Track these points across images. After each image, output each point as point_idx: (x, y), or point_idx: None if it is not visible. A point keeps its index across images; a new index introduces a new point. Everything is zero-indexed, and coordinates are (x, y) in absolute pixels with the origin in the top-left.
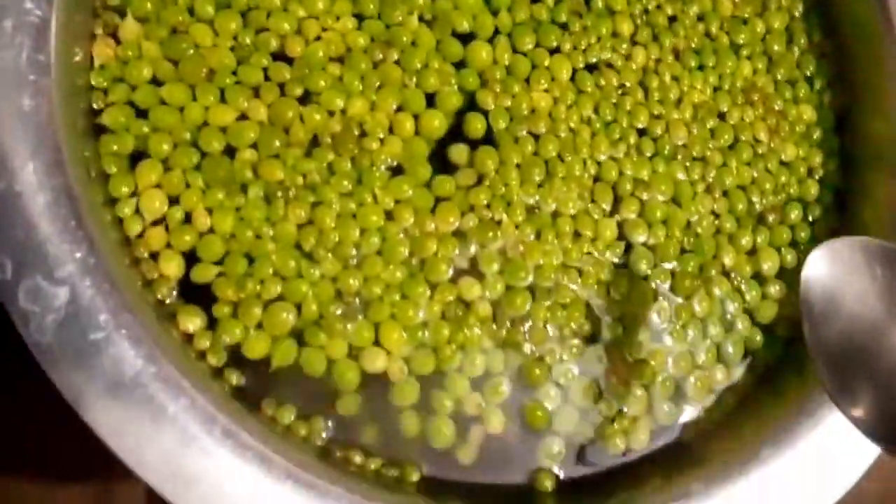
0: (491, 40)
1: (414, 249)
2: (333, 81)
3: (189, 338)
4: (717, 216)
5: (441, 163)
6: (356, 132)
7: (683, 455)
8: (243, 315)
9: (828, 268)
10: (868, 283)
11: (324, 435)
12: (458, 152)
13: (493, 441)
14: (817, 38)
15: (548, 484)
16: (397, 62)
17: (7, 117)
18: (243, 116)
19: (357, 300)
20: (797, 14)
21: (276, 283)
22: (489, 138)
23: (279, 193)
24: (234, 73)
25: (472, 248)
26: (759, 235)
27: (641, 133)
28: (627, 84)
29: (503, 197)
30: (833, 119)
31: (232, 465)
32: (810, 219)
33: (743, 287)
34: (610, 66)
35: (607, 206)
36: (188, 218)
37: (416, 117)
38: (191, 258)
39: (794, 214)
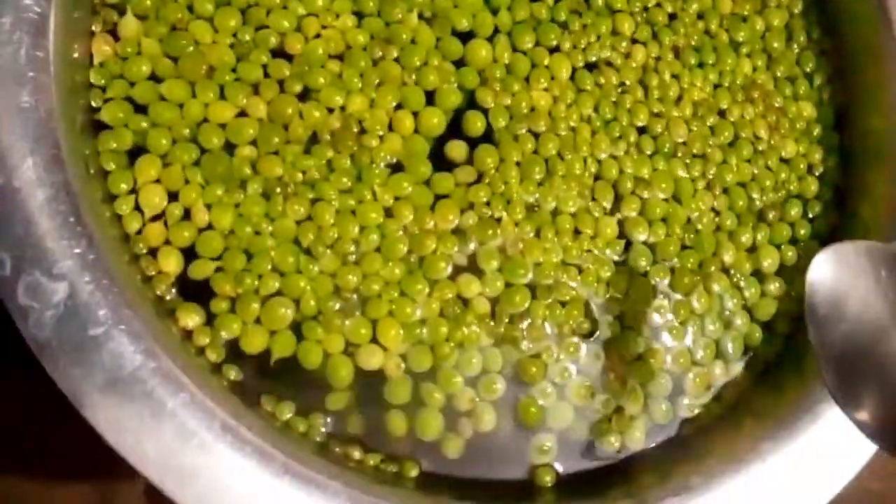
0: (490, 39)
1: (413, 247)
2: (333, 79)
3: (188, 334)
4: (717, 213)
5: (440, 161)
6: (355, 129)
7: (683, 450)
8: (241, 310)
9: (832, 271)
10: (872, 286)
11: (323, 430)
12: (456, 148)
13: (487, 436)
14: (816, 35)
15: (547, 479)
16: (397, 60)
17: (6, 113)
18: (243, 113)
19: (355, 296)
20: (796, 11)
21: (275, 279)
22: (489, 137)
23: (278, 190)
24: (234, 69)
25: (472, 246)
26: (759, 232)
27: (641, 131)
28: (627, 82)
29: (503, 195)
30: (833, 116)
31: (231, 459)
32: (810, 215)
33: (742, 284)
34: (609, 64)
35: (608, 205)
36: (187, 214)
37: (415, 115)
38: (190, 254)
39: (794, 211)
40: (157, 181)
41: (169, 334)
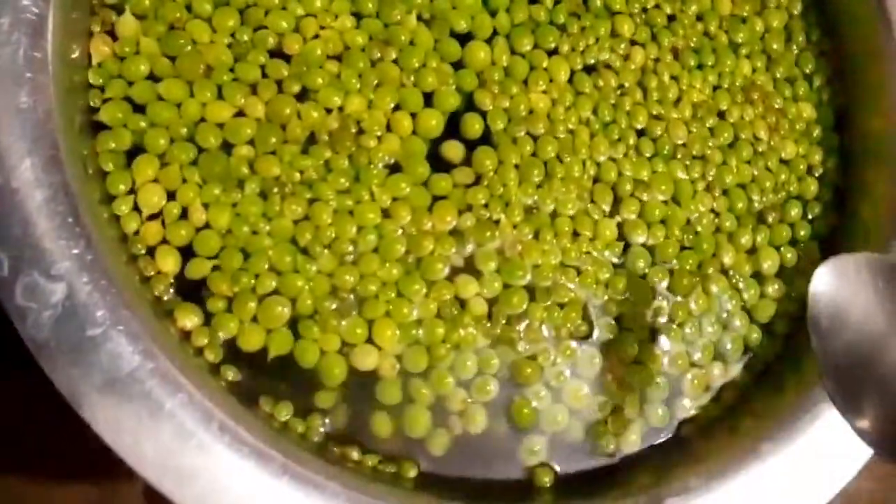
0: (489, 41)
1: (410, 247)
2: (331, 79)
3: (186, 334)
4: (716, 215)
5: (438, 162)
6: (353, 130)
7: (682, 451)
8: (238, 309)
9: (832, 284)
10: (872, 297)
11: (321, 431)
12: (453, 148)
13: (485, 436)
14: (816, 36)
15: (546, 479)
16: (395, 61)
17: (4, 114)
18: (241, 113)
19: (352, 296)
20: (796, 12)
21: (272, 278)
22: (487, 140)
23: (276, 189)
24: (232, 69)
25: (469, 248)
26: (758, 234)
27: (640, 133)
28: (626, 84)
29: (501, 197)
30: (832, 117)
31: (229, 460)
32: (810, 216)
33: (741, 285)
34: (608, 66)
35: (607, 207)
36: (185, 213)
37: (413, 116)
38: (188, 255)
39: (794, 212)
40: (155, 181)
41: (167, 335)
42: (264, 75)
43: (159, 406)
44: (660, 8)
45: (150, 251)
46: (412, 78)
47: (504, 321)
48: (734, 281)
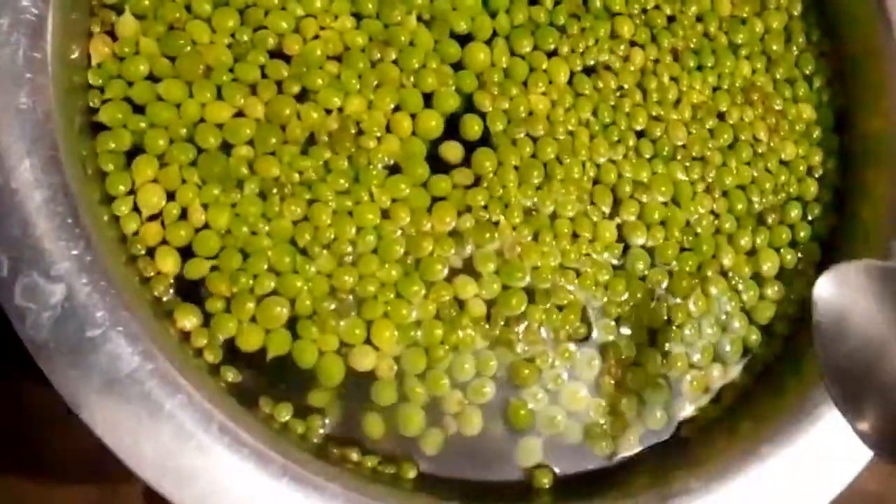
0: (489, 42)
1: (410, 248)
2: (331, 80)
3: (186, 335)
4: (716, 216)
5: (437, 164)
6: (353, 130)
7: (683, 452)
8: (236, 309)
9: (835, 290)
10: (873, 303)
11: (321, 432)
12: (451, 149)
13: (483, 438)
14: (816, 37)
15: (545, 481)
16: (395, 62)
17: (4, 115)
18: (240, 113)
19: (351, 297)
20: (796, 13)
21: (270, 279)
22: (486, 141)
23: (275, 190)
24: (232, 70)
25: (469, 249)
26: (758, 236)
27: (640, 135)
28: (625, 86)
29: (501, 198)
30: (832, 118)
31: (229, 461)
32: (809, 217)
33: (740, 287)
34: (608, 68)
35: (607, 209)
36: (184, 214)
37: (413, 117)
38: (187, 255)
39: (794, 213)
40: (155, 181)
41: (166, 335)
42: (264, 76)
43: (159, 407)
44: (659, 9)
45: (150, 252)
46: (412, 79)
47: (503, 323)
48: (734, 282)
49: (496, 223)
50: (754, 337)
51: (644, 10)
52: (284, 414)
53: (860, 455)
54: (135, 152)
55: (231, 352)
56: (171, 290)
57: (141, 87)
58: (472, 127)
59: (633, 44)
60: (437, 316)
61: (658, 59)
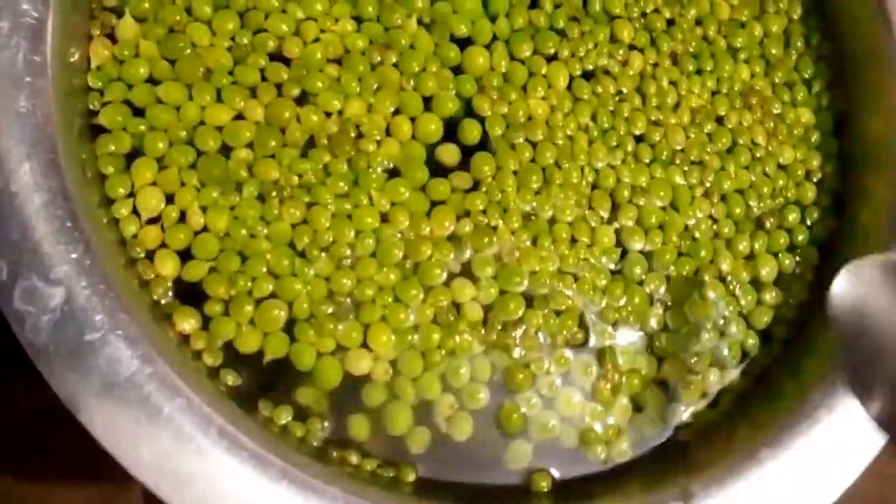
0: (488, 46)
1: (408, 252)
2: (331, 83)
3: (185, 338)
4: (714, 221)
5: (436, 168)
6: (353, 134)
7: (681, 456)
8: (235, 312)
9: (852, 284)
10: (889, 297)
11: (320, 435)
12: (448, 151)
13: (481, 442)
14: (816, 40)
15: (543, 484)
16: (395, 65)
17: (3, 118)
18: (240, 116)
19: (349, 300)
20: (795, 17)
21: (269, 281)
22: (485, 146)
23: (274, 193)
24: (231, 73)
25: (467, 253)
26: (756, 240)
27: (639, 139)
28: (624, 90)
29: (499, 203)
30: (831, 122)
31: (228, 465)
32: (808, 222)
33: (738, 292)
34: (607, 72)
35: (605, 214)
36: (183, 217)
37: (413, 120)
38: (186, 258)
39: (792, 217)
40: (154, 184)
41: (165, 339)
42: (264, 79)
43: (158, 410)
44: (659, 12)
45: (149, 255)
46: (412, 82)
47: (500, 327)
48: (731, 287)
49: (495, 228)
50: (752, 341)
51: (643, 14)
52: (284, 417)
53: (860, 458)
54: (134, 155)
55: (231, 355)
56: (170, 293)
57: (141, 89)
58: (471, 131)
59: (632, 48)
60: (434, 320)
61: (657, 63)
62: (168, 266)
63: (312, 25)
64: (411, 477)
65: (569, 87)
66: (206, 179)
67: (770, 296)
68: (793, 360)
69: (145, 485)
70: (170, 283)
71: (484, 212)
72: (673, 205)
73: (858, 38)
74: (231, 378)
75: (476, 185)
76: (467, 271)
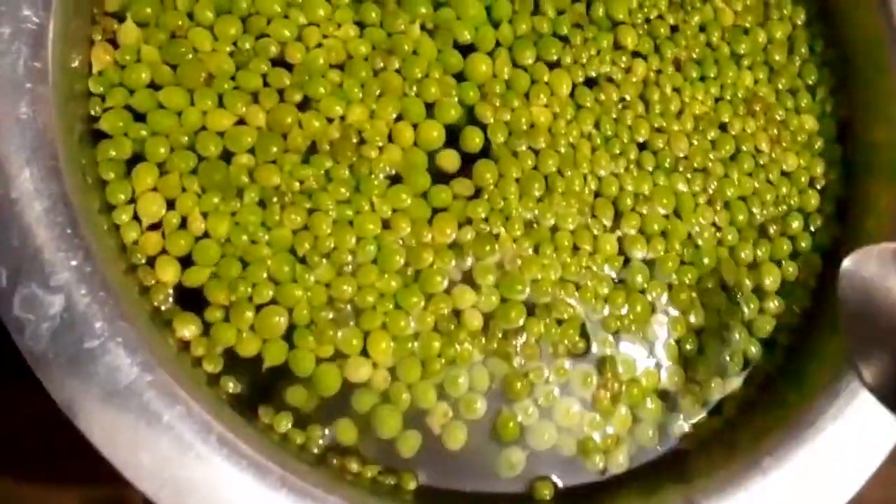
0: (491, 53)
1: (410, 259)
2: (333, 88)
3: (185, 345)
4: (718, 228)
5: (438, 175)
6: (355, 140)
7: (683, 466)
8: (235, 318)
9: (862, 266)
10: (894, 279)
11: (321, 442)
12: (448, 157)
13: (479, 449)
14: (819, 46)
15: (546, 493)
16: (398, 71)
17: (4, 124)
18: (241, 121)
19: (349, 307)
20: (799, 23)
21: (269, 287)
22: (486, 154)
23: (275, 199)
24: (233, 78)
25: (469, 261)
26: (759, 248)
27: (642, 146)
28: (627, 97)
29: (502, 211)
30: (835, 128)
31: (228, 473)
32: (811, 229)
33: (741, 300)
34: (610, 79)
35: (608, 222)
36: (184, 223)
37: (415, 127)
38: (187, 265)
39: (795, 224)
40: (155, 189)
41: (165, 345)
42: (266, 84)
43: (157, 418)
44: (663, 18)
45: (150, 261)
46: (415, 88)
47: (501, 335)
48: (734, 295)
49: (497, 235)
50: (754, 349)
51: (647, 20)
52: (284, 424)
53: (864, 467)
54: (135, 160)
55: (231, 362)
56: (171, 300)
57: (142, 94)
58: (473, 139)
59: (635, 54)
60: (435, 328)
61: (660, 69)
62: (169, 272)
63: (315, 31)
64: (412, 485)
65: (571, 95)
66: (208, 185)
67: (773, 304)
68: (796, 368)
69: (145, 493)
70: (170, 290)
71: (486, 219)
72: (676, 212)
73: (862, 44)
74: (231, 385)
75: (478, 193)
76: (469, 279)
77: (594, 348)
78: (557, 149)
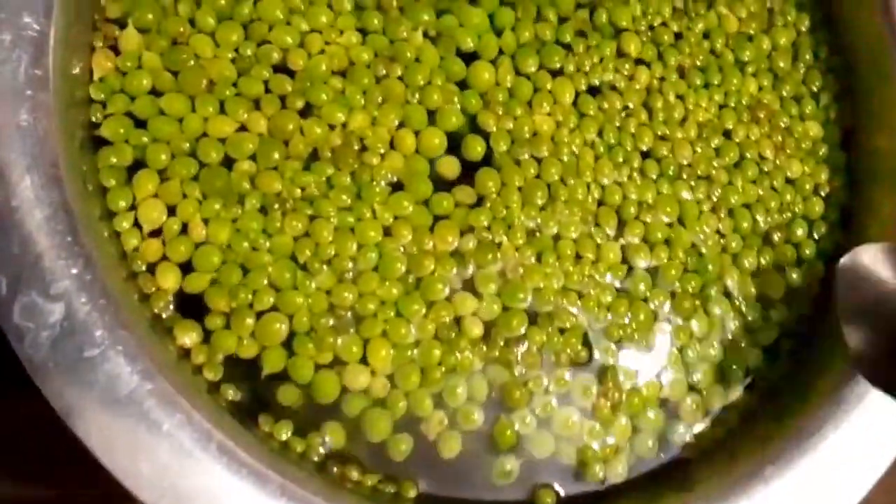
0: (494, 61)
1: (411, 267)
2: (335, 95)
3: (186, 352)
4: (721, 236)
5: (438, 182)
6: (357, 147)
7: (686, 473)
8: (236, 325)
9: (858, 260)
10: (886, 271)
11: (321, 450)
12: (448, 164)
13: (480, 457)
14: (824, 53)
15: (548, 501)
16: (400, 78)
17: (4, 132)
18: (243, 128)
19: (349, 314)
20: (803, 29)
21: (270, 294)
22: (488, 162)
23: (276, 205)
24: (235, 84)
25: (470, 269)
26: (763, 256)
27: (646, 155)
28: (631, 105)
29: (504, 219)
30: (839, 135)
31: (228, 481)
32: (815, 236)
33: (744, 308)
34: (613, 88)
35: (611, 231)
36: (185, 229)
37: (417, 134)
38: (188, 271)
39: (800, 231)
40: (156, 196)
41: (166, 353)
42: (267, 90)
43: (157, 426)
44: (666, 25)
45: (150, 268)
46: (417, 95)
47: (502, 343)
48: (737, 303)
49: (499, 244)
50: (757, 358)
51: (651, 27)
52: (284, 432)
53: (867, 475)
54: (136, 167)
55: (231, 369)
56: (171, 307)
57: (143, 101)
58: (475, 147)
59: (638, 62)
60: (435, 336)
61: (664, 77)
62: (169, 279)
63: (317, 37)
64: (412, 493)
65: (574, 103)
66: (209, 191)
67: (777, 313)
68: (799, 376)
69: (144, 502)
70: (170, 297)
71: (488, 228)
72: (680, 220)
73: (866, 52)
74: (231, 392)
75: (480, 201)
76: (470, 286)
77: (596, 357)
78: (560, 157)
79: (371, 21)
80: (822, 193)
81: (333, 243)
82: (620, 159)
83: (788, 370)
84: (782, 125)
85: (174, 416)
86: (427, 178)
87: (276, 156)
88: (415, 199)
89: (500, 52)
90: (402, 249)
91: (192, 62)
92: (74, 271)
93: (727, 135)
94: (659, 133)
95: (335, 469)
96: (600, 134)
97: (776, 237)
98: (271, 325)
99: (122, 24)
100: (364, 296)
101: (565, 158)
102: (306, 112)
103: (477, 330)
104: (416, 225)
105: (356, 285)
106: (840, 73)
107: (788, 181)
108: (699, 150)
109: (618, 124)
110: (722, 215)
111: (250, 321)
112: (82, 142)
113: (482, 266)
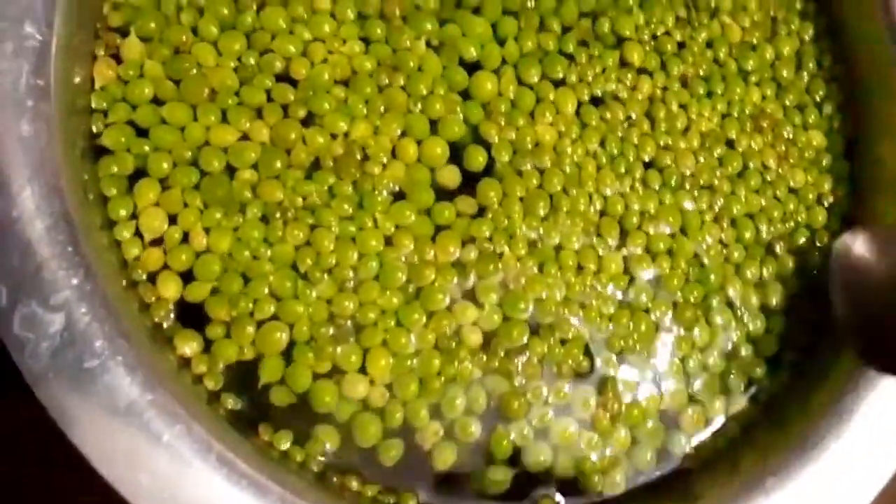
0: (497, 71)
1: (412, 277)
2: (338, 104)
3: (186, 362)
4: (724, 245)
5: (438, 191)
6: (359, 156)
7: (688, 484)
8: (236, 334)
9: (851, 243)
10: (875, 254)
11: (321, 459)
12: (449, 174)
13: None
14: (827, 62)
15: None
16: (403, 87)
17: (5, 142)
18: (245, 137)
19: (349, 323)
20: (807, 39)
21: (270, 303)
22: (490, 172)
23: (278, 214)
24: (237, 93)
25: (471, 280)
26: (766, 266)
27: (648, 165)
28: (633, 115)
29: (506, 230)
30: (843, 144)
31: (228, 492)
32: (818, 245)
33: (746, 318)
34: (616, 98)
35: (613, 241)
36: (186, 238)
37: (419, 143)
38: (189, 281)
39: (802, 241)
40: (157, 205)
41: (166, 363)
42: (270, 99)
43: (157, 437)
44: (669, 35)
45: (151, 277)
46: (419, 105)
47: (502, 353)
48: (739, 314)
49: (500, 254)
50: (759, 368)
51: (654, 37)
52: (284, 442)
53: (868, 487)
54: (137, 176)
55: (231, 378)
56: (172, 316)
57: (145, 110)
58: (477, 158)
59: (641, 71)
60: (435, 346)
61: (667, 86)
62: (170, 288)
63: (320, 46)
64: (412, 503)
65: (577, 113)
66: (210, 200)
67: (779, 322)
68: (801, 387)
69: None
70: (171, 306)
71: (490, 238)
72: (682, 230)
73: (870, 61)
74: (231, 402)
75: (482, 212)
76: (471, 297)
77: (597, 368)
78: (562, 167)
79: (374, 30)
80: (826, 203)
81: (334, 252)
82: (623, 169)
83: (790, 381)
84: (785, 135)
85: (174, 426)
86: (429, 187)
87: (278, 165)
88: (416, 209)
89: (503, 61)
90: (403, 259)
91: (194, 71)
92: (75, 281)
93: (730, 144)
94: (661, 143)
95: (335, 479)
96: (603, 144)
97: (779, 247)
98: (272, 334)
99: (124, 33)
100: (364, 305)
101: (567, 169)
102: (308, 121)
103: (477, 340)
104: (417, 235)
105: (357, 294)
106: (843, 82)
107: (791, 191)
108: (702, 159)
109: (620, 134)
110: (724, 225)
111: (251, 330)
112: (83, 151)
113: (483, 276)
